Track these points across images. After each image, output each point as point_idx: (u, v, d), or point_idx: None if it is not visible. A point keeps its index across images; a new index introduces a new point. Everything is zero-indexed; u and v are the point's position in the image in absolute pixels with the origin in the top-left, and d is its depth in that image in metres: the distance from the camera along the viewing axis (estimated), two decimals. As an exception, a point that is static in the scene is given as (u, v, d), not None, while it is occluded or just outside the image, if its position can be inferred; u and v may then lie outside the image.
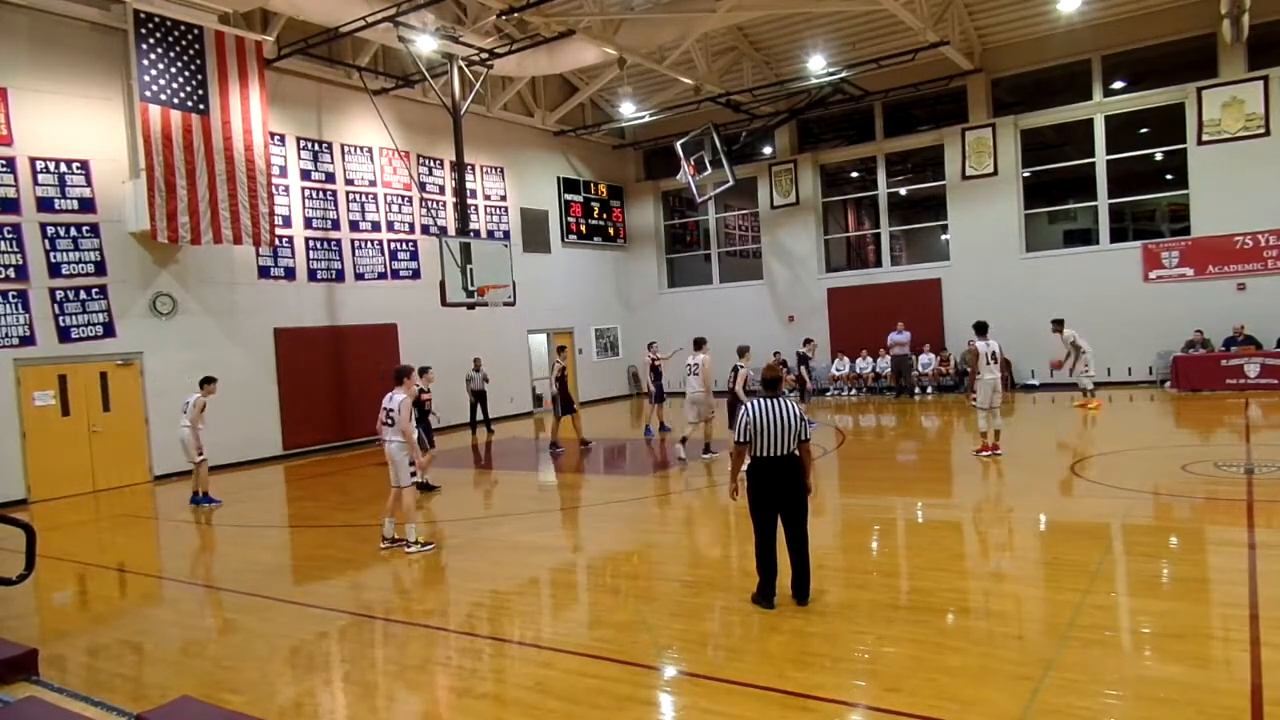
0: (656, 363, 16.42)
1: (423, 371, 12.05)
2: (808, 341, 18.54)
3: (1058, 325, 15.91)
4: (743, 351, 12.89)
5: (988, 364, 11.53)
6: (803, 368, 17.86)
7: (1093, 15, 18.33)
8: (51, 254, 13.20)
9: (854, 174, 23.41)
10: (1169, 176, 19.09)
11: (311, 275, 16.98)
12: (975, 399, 11.74)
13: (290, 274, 16.61)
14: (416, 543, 8.36)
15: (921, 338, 20.50)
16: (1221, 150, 17.78)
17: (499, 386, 19.71)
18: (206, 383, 11.88)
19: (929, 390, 20.43)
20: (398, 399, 8.50)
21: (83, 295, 13.53)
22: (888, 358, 20.74)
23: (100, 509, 12.36)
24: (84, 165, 13.59)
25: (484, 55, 17.26)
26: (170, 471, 14.39)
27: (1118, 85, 19.18)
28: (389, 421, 8.53)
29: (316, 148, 17.27)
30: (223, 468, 14.90)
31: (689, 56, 19.46)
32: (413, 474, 8.55)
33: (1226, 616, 5.48)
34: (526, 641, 5.85)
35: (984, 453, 11.48)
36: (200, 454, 11.62)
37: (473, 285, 16.41)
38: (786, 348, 21.98)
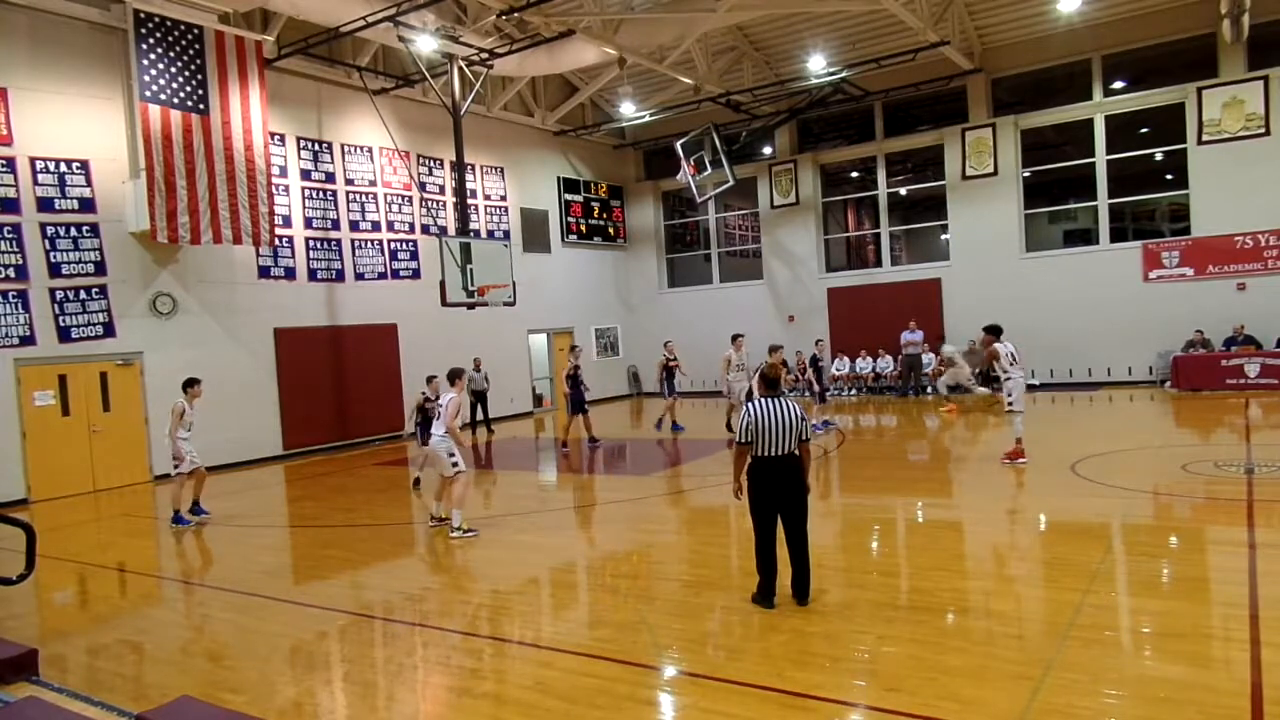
0: (670, 363, 16.42)
1: (429, 380, 12.04)
2: (818, 342, 18.50)
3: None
4: (774, 350, 13.05)
5: (1013, 364, 11.03)
6: (813, 369, 17.82)
7: (1093, 15, 18.33)
8: (51, 254, 13.20)
9: (854, 174, 23.40)
10: (1169, 176, 19.08)
11: (311, 275, 16.97)
12: (1012, 403, 10.96)
13: (290, 274, 16.60)
14: (460, 528, 8.89)
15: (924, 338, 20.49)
16: (1221, 150, 17.78)
17: (499, 386, 19.72)
18: (190, 385, 10.59)
19: (929, 390, 20.42)
20: (446, 398, 9.10)
21: (83, 295, 13.53)
22: (888, 358, 20.74)
23: (100, 509, 12.36)
24: (84, 165, 13.58)
25: (484, 55, 17.26)
26: (170, 471, 14.37)
27: (1118, 85, 19.17)
28: (436, 415, 9.24)
29: (316, 148, 17.27)
30: (223, 468, 14.91)
31: (689, 56, 19.45)
32: (454, 464, 9.03)
33: (1226, 616, 5.47)
34: (526, 641, 5.85)
35: (1021, 459, 10.83)
36: (177, 464, 10.48)
37: (473, 285, 16.40)
38: (788, 348, 21.99)
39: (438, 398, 11.79)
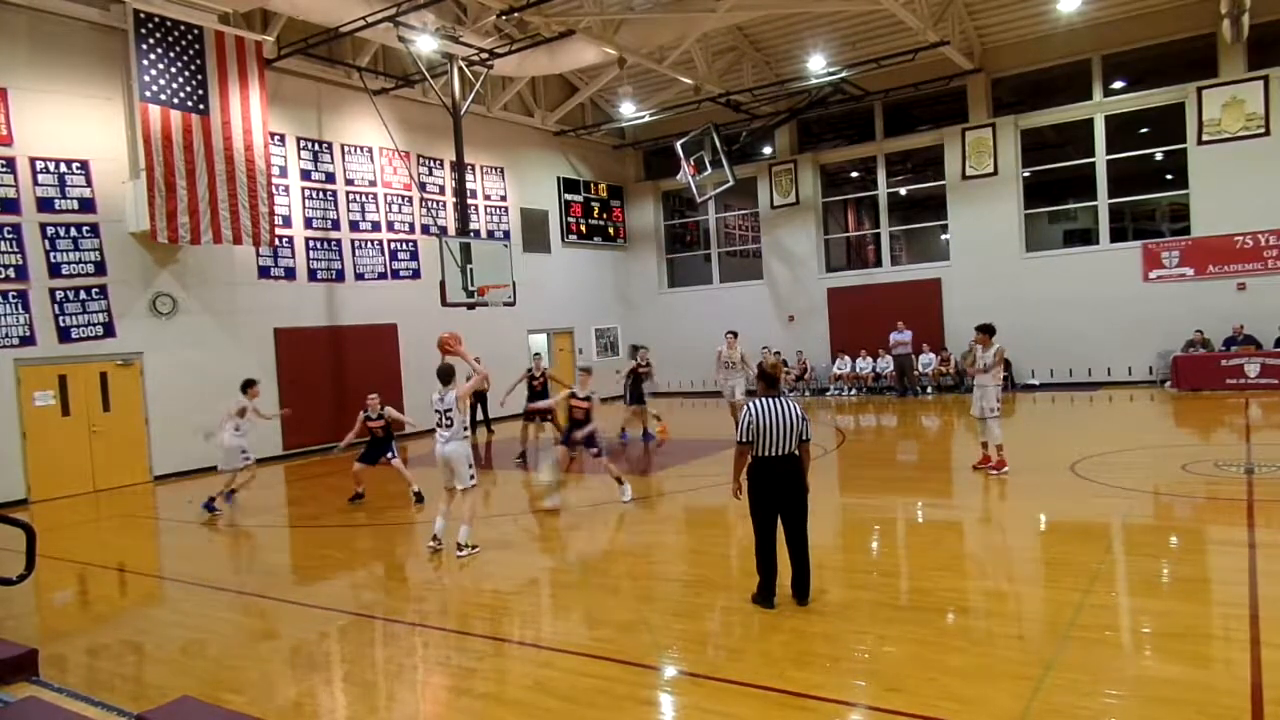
0: (640, 369, 16.22)
1: (368, 398, 11.65)
2: (765, 350, 16.23)
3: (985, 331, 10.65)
4: (637, 349, 12.46)
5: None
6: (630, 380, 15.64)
7: (1093, 15, 18.33)
8: (51, 254, 13.20)
9: (854, 174, 23.40)
10: (1169, 176, 19.08)
11: (311, 275, 16.97)
12: (996, 409, 10.39)
13: (290, 274, 16.60)
14: (469, 545, 8.15)
15: (921, 338, 20.50)
16: (1221, 150, 17.78)
17: (499, 387, 19.65)
18: (250, 385, 11.49)
19: (929, 390, 20.44)
20: (450, 396, 8.30)
21: (83, 295, 13.52)
22: (888, 358, 20.74)
23: (100, 509, 12.35)
24: (84, 165, 13.58)
25: (484, 55, 17.26)
26: (170, 472, 14.40)
27: (1118, 85, 19.18)
28: (446, 423, 8.30)
29: (316, 148, 17.27)
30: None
31: (689, 56, 19.45)
32: (471, 475, 8.31)
33: (1226, 616, 5.48)
34: (526, 641, 5.85)
35: (1005, 469, 10.37)
36: (246, 456, 11.29)
37: (473, 285, 16.40)
38: (787, 349, 22.02)
39: (380, 417, 11.38)
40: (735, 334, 15.38)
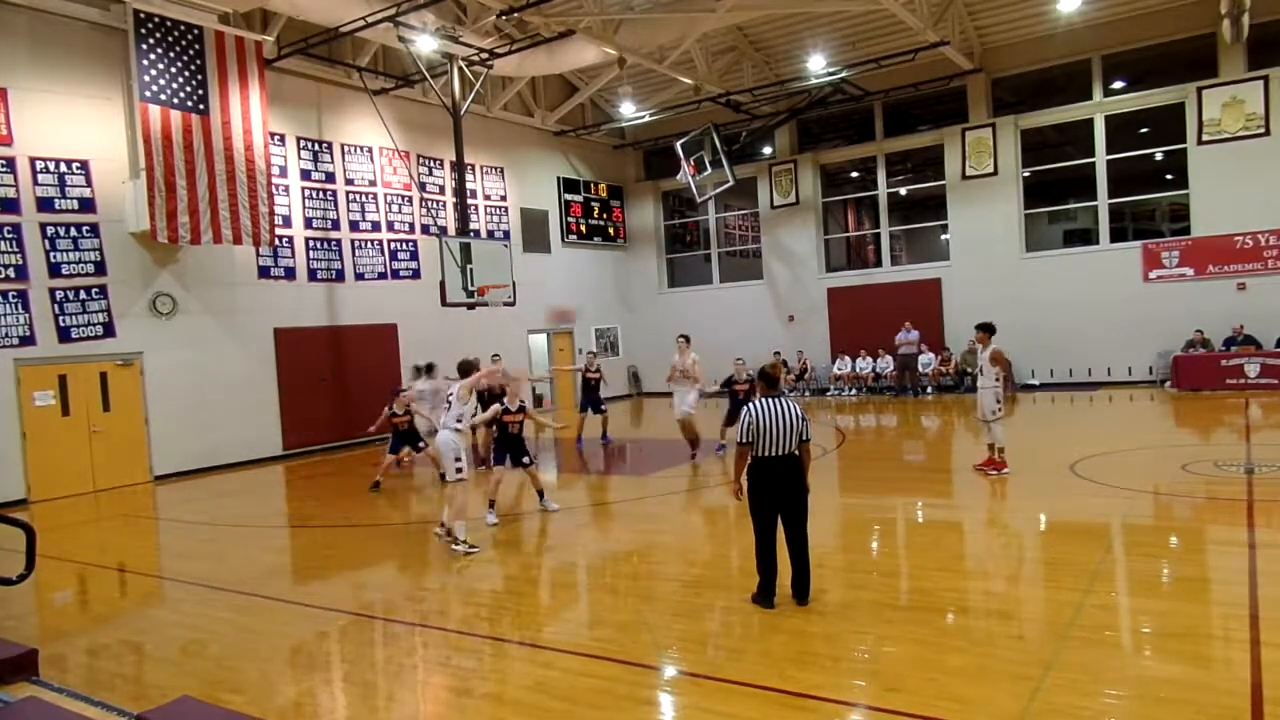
0: (587, 373, 16.19)
1: (400, 392, 12.62)
2: (738, 361, 13.53)
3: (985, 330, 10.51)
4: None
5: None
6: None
7: (1093, 15, 18.33)
8: (51, 254, 13.20)
9: (854, 174, 23.41)
10: (1169, 176, 19.09)
11: (311, 275, 16.98)
12: (998, 411, 10.25)
13: (290, 274, 16.61)
14: (464, 542, 8.14)
15: (921, 338, 20.49)
16: (1221, 150, 17.78)
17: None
18: (430, 369, 13.49)
19: (929, 390, 20.44)
20: (454, 387, 8.62)
21: (83, 295, 13.52)
22: (888, 357, 20.75)
23: (100, 509, 12.35)
24: (84, 165, 13.58)
25: (484, 55, 17.26)
26: (170, 472, 14.40)
27: (1118, 85, 19.18)
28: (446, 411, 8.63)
29: (316, 148, 17.27)
30: (223, 468, 14.94)
31: (689, 56, 19.46)
32: (458, 468, 8.29)
33: (1226, 616, 5.47)
34: (526, 641, 5.85)
35: (1005, 470, 10.27)
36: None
37: (473, 285, 16.40)
38: (787, 348, 22.02)
39: (406, 412, 12.20)
40: (686, 338, 13.56)
